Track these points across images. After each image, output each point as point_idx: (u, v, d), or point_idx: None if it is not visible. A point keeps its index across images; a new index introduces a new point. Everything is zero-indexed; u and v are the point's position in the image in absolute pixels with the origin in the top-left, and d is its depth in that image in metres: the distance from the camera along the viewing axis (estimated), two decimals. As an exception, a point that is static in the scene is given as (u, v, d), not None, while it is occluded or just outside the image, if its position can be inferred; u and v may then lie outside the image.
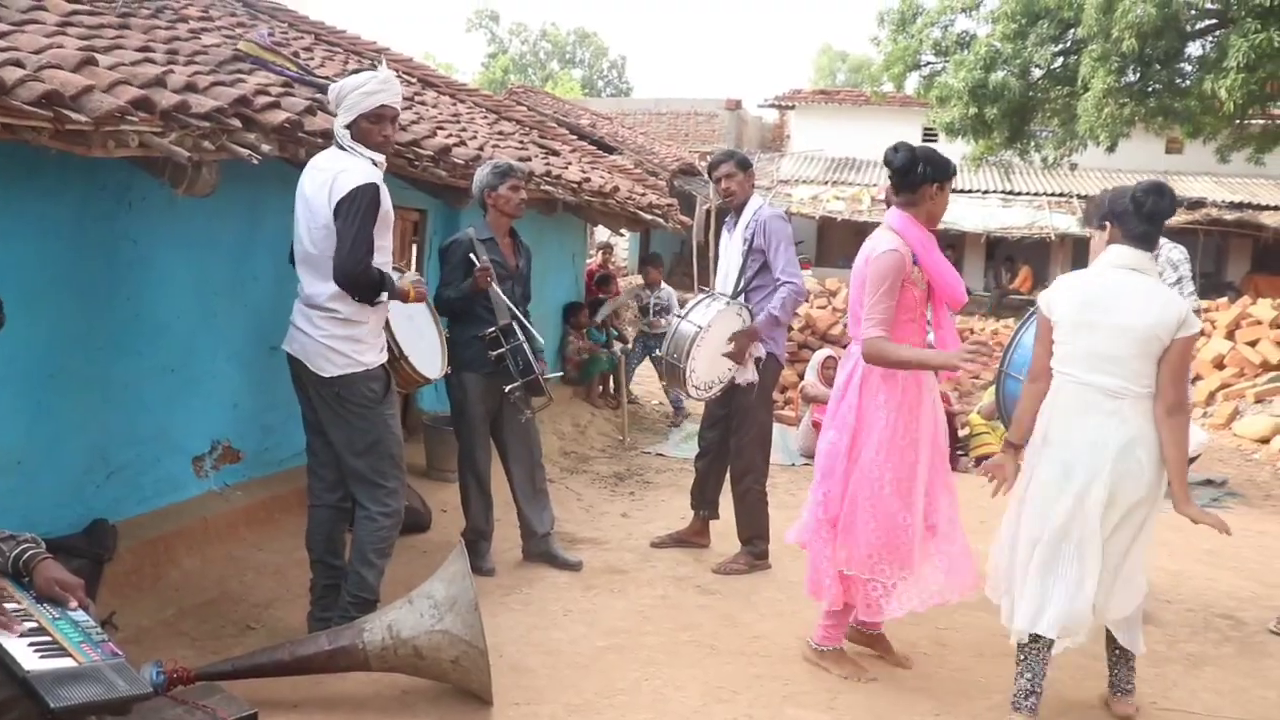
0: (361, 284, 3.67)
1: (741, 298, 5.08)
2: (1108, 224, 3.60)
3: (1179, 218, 20.17)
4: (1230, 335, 11.52)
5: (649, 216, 8.69)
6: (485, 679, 3.44)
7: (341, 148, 3.75)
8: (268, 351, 5.09)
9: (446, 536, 5.41)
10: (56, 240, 4.00)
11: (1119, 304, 3.41)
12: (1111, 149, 15.19)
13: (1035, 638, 3.51)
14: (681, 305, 5.22)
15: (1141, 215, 3.47)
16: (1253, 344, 11.19)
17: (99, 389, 4.26)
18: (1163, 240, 4.84)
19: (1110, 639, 3.75)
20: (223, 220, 4.80)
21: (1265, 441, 9.11)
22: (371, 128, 3.74)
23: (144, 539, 4.37)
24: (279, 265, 4.46)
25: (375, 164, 3.73)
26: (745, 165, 5.25)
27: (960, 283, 3.94)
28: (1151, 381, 3.41)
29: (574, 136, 10.66)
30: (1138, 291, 3.42)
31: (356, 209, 3.58)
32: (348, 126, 3.72)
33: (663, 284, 10.13)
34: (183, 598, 4.25)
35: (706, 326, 4.90)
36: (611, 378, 9.53)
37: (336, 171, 3.64)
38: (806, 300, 5.13)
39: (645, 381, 10.57)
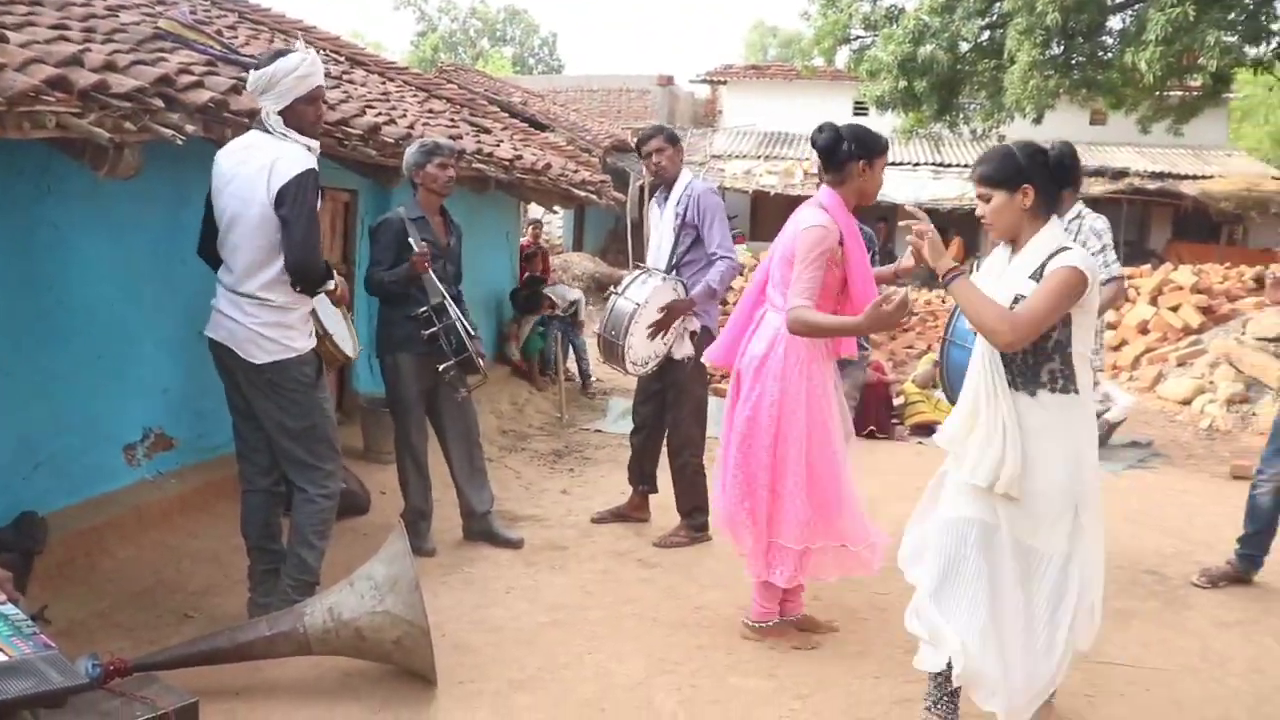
0: (314, 275, 3.65)
1: (674, 273, 5.09)
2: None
3: (1103, 187, 20.61)
4: (1154, 301, 11.80)
5: (582, 193, 8.66)
6: (428, 658, 3.44)
7: (269, 133, 3.67)
8: (197, 337, 4.93)
9: (386, 519, 5.38)
10: (-29, 227, 3.89)
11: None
12: (1038, 121, 15.45)
13: None
14: (616, 284, 5.21)
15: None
16: (1175, 309, 11.48)
17: (23, 378, 4.16)
18: (1084, 210, 4.97)
19: None
20: (147, 204, 4.70)
21: (1187, 403, 9.36)
22: (307, 110, 3.69)
23: (75, 530, 4.28)
24: (206, 249, 4.38)
25: (310, 150, 3.68)
26: (674, 140, 5.24)
27: (873, 282, 3.90)
28: None
29: (505, 114, 10.57)
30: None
31: (302, 197, 3.53)
32: (280, 112, 3.65)
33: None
34: (117, 588, 4.18)
35: (644, 303, 4.91)
36: (544, 356, 9.52)
37: (274, 158, 3.57)
38: (741, 274, 5.16)
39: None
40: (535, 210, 12.03)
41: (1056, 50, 15.08)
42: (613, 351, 5.06)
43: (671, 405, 5.27)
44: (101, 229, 4.49)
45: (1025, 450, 3.00)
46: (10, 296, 4.06)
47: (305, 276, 3.65)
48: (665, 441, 5.40)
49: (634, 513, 5.62)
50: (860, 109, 21.83)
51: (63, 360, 4.34)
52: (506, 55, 47.45)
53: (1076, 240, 4.83)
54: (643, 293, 4.94)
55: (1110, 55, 15.05)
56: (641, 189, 19.74)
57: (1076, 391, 3.08)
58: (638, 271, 5.17)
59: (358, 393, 6.88)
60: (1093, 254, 4.78)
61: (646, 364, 5.11)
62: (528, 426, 8.01)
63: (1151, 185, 21.79)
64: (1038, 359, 3.04)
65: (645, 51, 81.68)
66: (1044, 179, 3.08)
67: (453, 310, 4.89)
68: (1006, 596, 3.04)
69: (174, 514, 4.83)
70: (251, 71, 3.69)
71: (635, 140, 5.29)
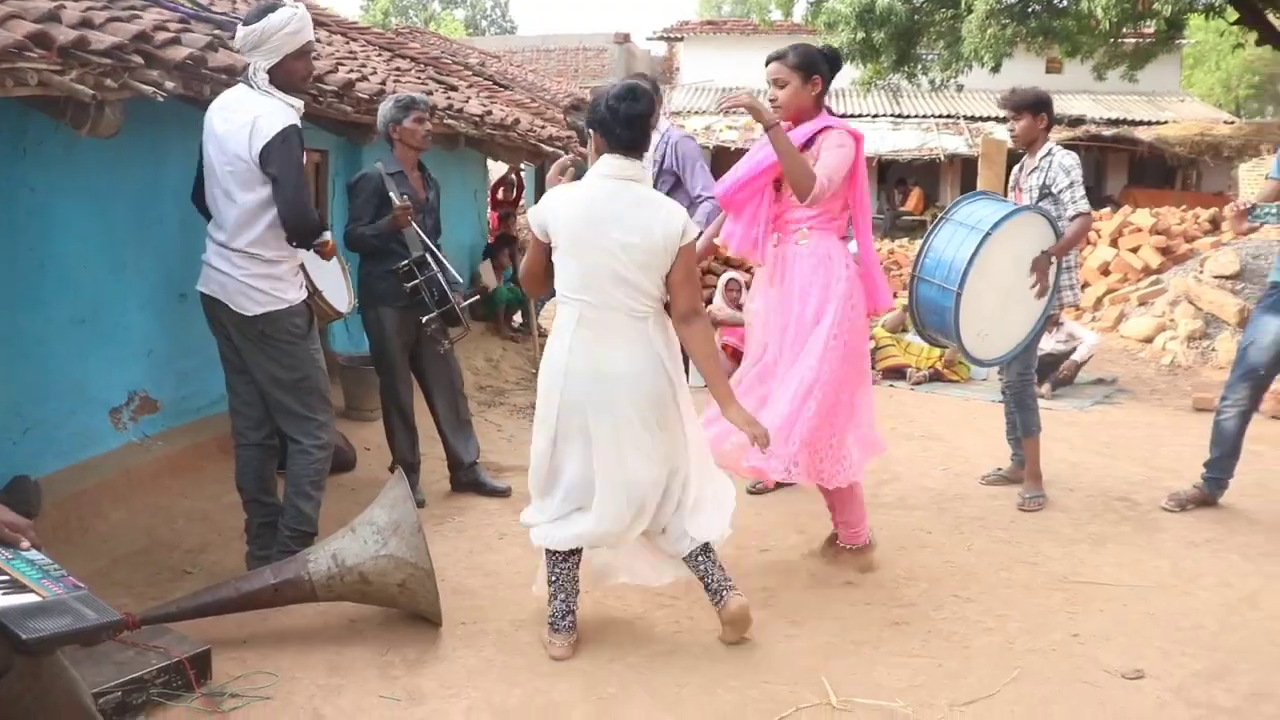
0: (307, 227, 3.68)
1: None
2: (593, 131, 3.37)
3: (1060, 134, 20.82)
4: (1114, 243, 11.98)
5: (550, 149, 8.67)
6: (433, 600, 3.51)
7: (253, 88, 3.68)
8: (178, 299, 5.01)
9: (373, 474, 5.44)
10: (-50, 191, 3.87)
11: (618, 219, 3.26)
12: (996, 69, 15.59)
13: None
14: None
15: (620, 122, 3.27)
16: (1135, 250, 11.67)
17: (7, 343, 4.15)
18: (1055, 147, 5.06)
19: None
20: (125, 165, 4.68)
21: (1149, 341, 9.56)
22: (297, 65, 3.71)
23: (67, 494, 4.30)
24: (184, 210, 4.35)
25: (293, 107, 3.69)
26: (656, 89, 5.28)
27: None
28: (659, 297, 3.35)
29: (469, 72, 10.52)
30: (632, 200, 3.29)
31: (288, 153, 3.56)
32: (269, 69, 3.65)
33: None
34: (114, 549, 4.21)
35: None
36: (521, 311, 9.55)
37: (256, 114, 3.58)
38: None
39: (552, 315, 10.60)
40: (497, 169, 12.01)
41: (1013, -1, 15.22)
42: None
43: None
44: (80, 191, 4.47)
45: None
46: (-9, 261, 4.05)
47: (299, 230, 3.67)
48: None
49: None
50: (818, 62, 21.88)
51: (46, 325, 4.33)
52: (459, 18, 46.87)
53: (1047, 177, 4.94)
54: None
55: (1066, 3, 15.20)
56: (602, 148, 19.65)
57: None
58: None
59: (336, 352, 6.90)
60: (1060, 190, 4.88)
61: None
62: (504, 381, 8.06)
63: (1107, 132, 22.04)
64: None
65: (599, 10, 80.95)
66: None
67: (434, 263, 4.92)
68: None
69: (163, 475, 4.85)
70: (240, 27, 3.68)
71: None
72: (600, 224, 3.26)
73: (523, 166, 10.57)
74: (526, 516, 3.58)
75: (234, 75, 4.04)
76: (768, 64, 4.02)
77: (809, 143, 3.93)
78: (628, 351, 3.32)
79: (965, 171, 20.95)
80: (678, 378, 3.42)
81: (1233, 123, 23.40)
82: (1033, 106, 5.02)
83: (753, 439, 3.40)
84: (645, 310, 3.33)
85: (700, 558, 3.50)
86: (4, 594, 2.15)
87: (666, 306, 3.40)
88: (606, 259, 3.26)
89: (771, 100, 3.96)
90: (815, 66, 3.93)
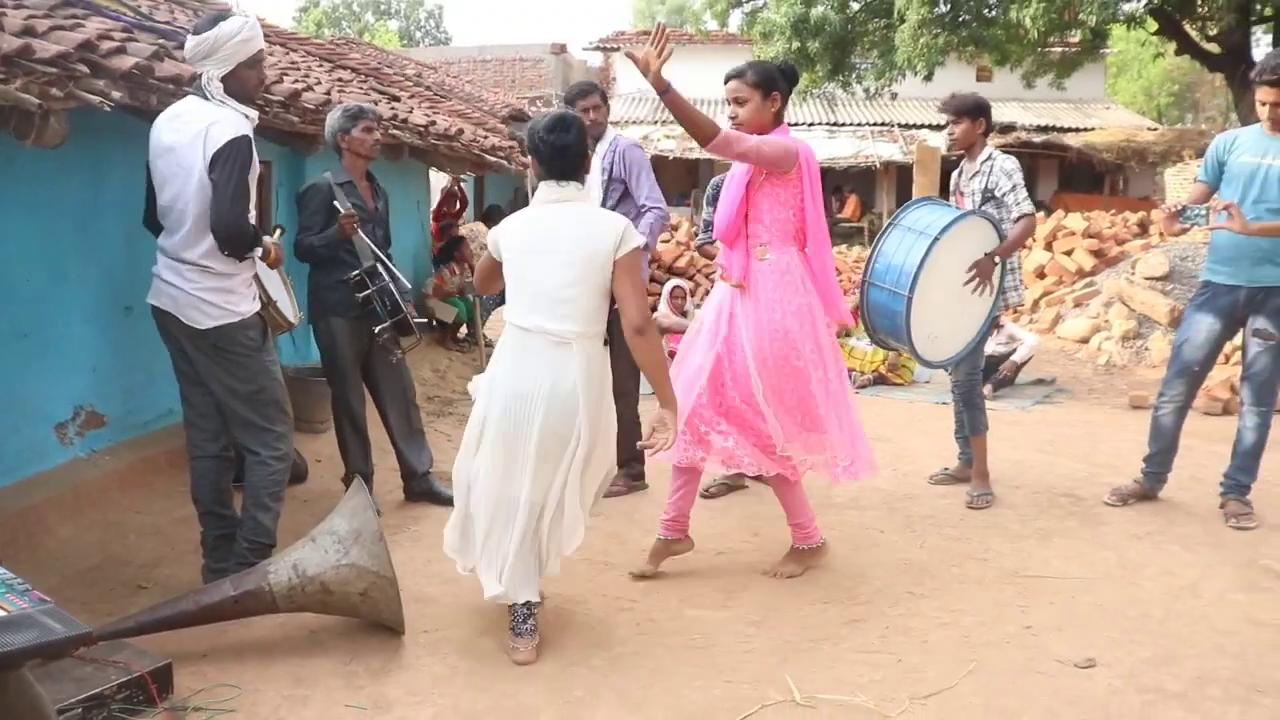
0: (239, 239, 3.62)
1: None
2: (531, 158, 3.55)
3: (992, 141, 21.26)
4: (1048, 247, 12.26)
5: (493, 159, 8.67)
6: (396, 608, 3.50)
7: (207, 99, 3.65)
8: (123, 312, 4.94)
9: (325, 485, 5.39)
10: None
11: (556, 239, 3.39)
12: (929, 78, 15.88)
13: None
14: None
15: (551, 152, 3.42)
16: (1068, 254, 11.95)
17: (-52, 359, 4.07)
18: (995, 152, 5.19)
19: None
20: (66, 178, 4.59)
21: (1085, 341, 9.80)
22: (249, 74, 3.69)
23: (13, 510, 4.20)
24: (127, 223, 4.31)
25: (248, 117, 3.66)
26: (605, 97, 5.36)
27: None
28: (599, 320, 3.45)
29: (409, 83, 10.47)
30: (572, 220, 3.41)
31: (233, 162, 3.52)
32: (223, 78, 3.62)
33: None
34: (64, 565, 4.13)
35: None
36: (466, 324, 9.52)
37: (209, 123, 3.55)
38: (666, 227, 5.28)
39: (496, 327, 10.55)
40: (438, 179, 11.95)
41: (944, 8, 15.51)
42: None
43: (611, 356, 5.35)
44: (21, 203, 4.38)
45: None
46: (-70, 275, 3.97)
47: (229, 239, 3.62)
48: None
49: None
50: (754, 72, 22.10)
51: (-13, 339, 4.25)
52: (392, 29, 46.60)
53: (989, 181, 5.06)
54: None
55: (995, 13, 15.52)
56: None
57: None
58: None
59: (283, 364, 6.81)
60: (1004, 194, 5.00)
61: None
62: (451, 392, 8.03)
63: (1038, 139, 22.56)
64: None
65: (534, 21, 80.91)
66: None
67: (385, 273, 4.91)
68: None
69: (112, 490, 4.76)
70: (190, 36, 3.64)
71: (567, 96, 5.35)
72: (540, 246, 3.41)
73: (463, 177, 10.55)
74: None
75: (181, 85, 4.00)
76: (727, 81, 4.08)
77: None
78: (550, 375, 3.39)
79: (901, 178, 21.29)
80: (589, 412, 3.44)
81: (1155, 129, 24.06)
82: (971, 111, 5.14)
83: (654, 439, 3.52)
84: (572, 335, 3.39)
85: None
86: (-31, 609, 2.12)
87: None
88: (546, 278, 3.37)
89: (732, 118, 4.02)
90: (774, 83, 4.03)
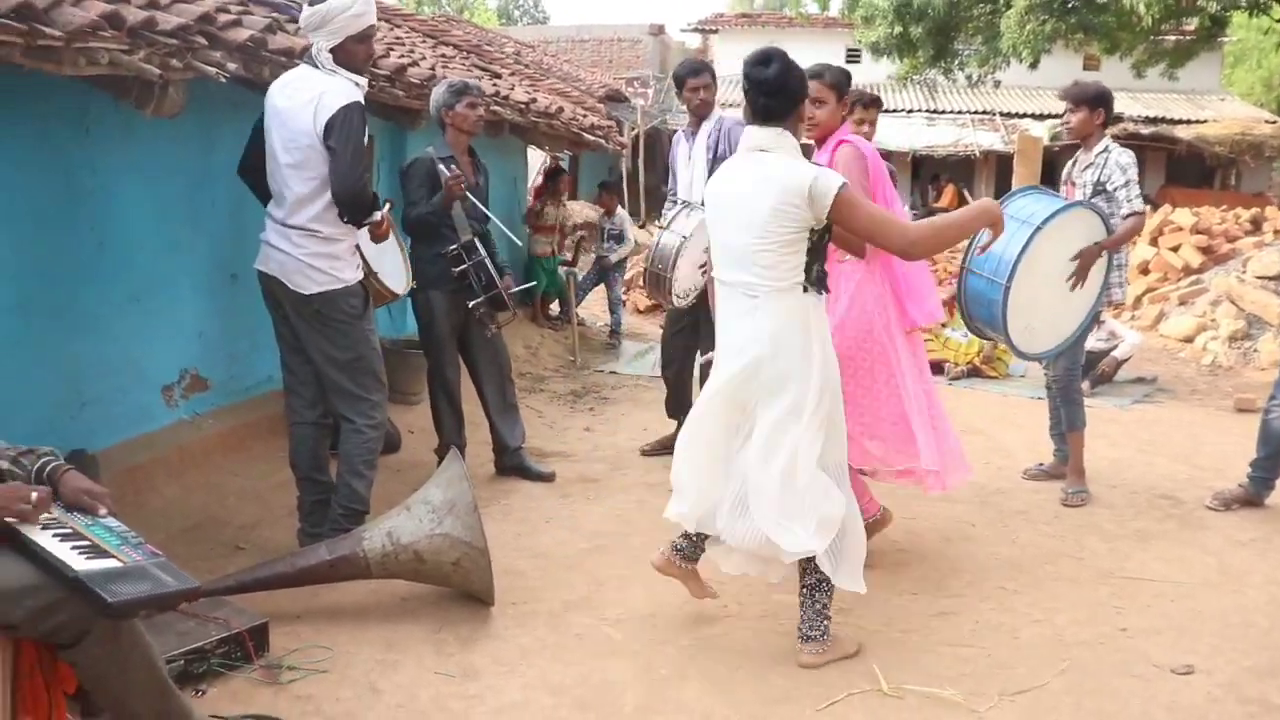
0: (360, 202, 3.70)
1: None
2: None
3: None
4: (1154, 242, 11.88)
5: (591, 138, 8.69)
6: (487, 579, 3.55)
7: (318, 68, 3.72)
8: (229, 279, 5.08)
9: (418, 456, 5.49)
10: (14, 168, 3.92)
11: (740, 193, 3.22)
12: (1034, 65, 15.45)
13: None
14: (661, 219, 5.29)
15: (748, 87, 3.24)
16: (1175, 249, 11.57)
17: (67, 320, 4.21)
18: (1111, 144, 5.05)
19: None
20: (180, 146, 4.73)
21: (1189, 340, 9.49)
22: (358, 48, 3.75)
23: (123, 468, 4.35)
24: (235, 193, 4.42)
25: (358, 85, 3.73)
26: (714, 76, 5.40)
27: None
28: (789, 272, 3.17)
29: (511, 60, 10.55)
30: (759, 178, 3.17)
31: (348, 127, 3.59)
32: (332, 50, 3.69)
33: (618, 211, 10.13)
34: (168, 523, 4.26)
35: (689, 236, 5.00)
36: (559, 300, 9.58)
37: (320, 91, 3.63)
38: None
39: (589, 305, 10.59)
40: (534, 158, 12.00)
41: (1053, -7, 15.07)
42: (659, 284, 5.16)
43: (705, 335, 5.35)
44: (137, 172, 4.52)
45: None
46: (53, 239, 4.11)
47: (351, 205, 3.70)
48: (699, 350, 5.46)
49: None
50: (853, 56, 21.77)
51: (103, 302, 4.39)
52: (491, 7, 46.89)
53: (1102, 174, 4.93)
54: (688, 225, 5.03)
55: (1106, -1, 15.04)
56: (636, 138, 19.67)
57: None
58: (680, 206, 5.22)
59: (380, 337, 6.94)
60: (1116, 188, 4.87)
61: (688, 295, 5.22)
62: (543, 369, 8.10)
63: (1145, 130, 21.79)
64: None
65: (630, 2, 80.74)
66: None
67: (481, 248, 4.96)
68: None
69: (214, 453, 4.91)
70: (305, 7, 3.73)
71: (676, 74, 5.37)
72: (725, 200, 3.29)
73: (560, 155, 10.58)
74: None
75: (292, 57, 4.08)
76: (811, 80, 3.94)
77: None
78: (745, 333, 3.23)
79: (1000, 168, 20.81)
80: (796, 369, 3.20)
81: (1274, 122, 23.10)
82: (1092, 101, 5.00)
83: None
84: (761, 289, 3.19)
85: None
86: (86, 558, 2.21)
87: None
88: (733, 235, 3.24)
89: (810, 119, 3.85)
90: (846, 87, 4.03)
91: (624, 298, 10.20)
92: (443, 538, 3.51)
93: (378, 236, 4.04)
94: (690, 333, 5.49)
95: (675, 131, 5.81)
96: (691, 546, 3.57)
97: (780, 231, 3.12)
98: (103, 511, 2.43)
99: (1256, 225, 12.41)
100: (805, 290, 3.20)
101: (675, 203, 5.40)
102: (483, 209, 4.96)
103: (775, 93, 3.20)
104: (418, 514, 3.56)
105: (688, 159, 5.36)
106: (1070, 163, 5.23)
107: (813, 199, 3.08)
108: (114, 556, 2.24)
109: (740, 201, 3.20)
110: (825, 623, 3.36)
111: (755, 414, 3.23)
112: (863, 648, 3.45)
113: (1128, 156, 4.93)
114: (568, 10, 74.95)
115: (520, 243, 5.14)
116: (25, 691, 2.31)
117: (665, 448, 5.70)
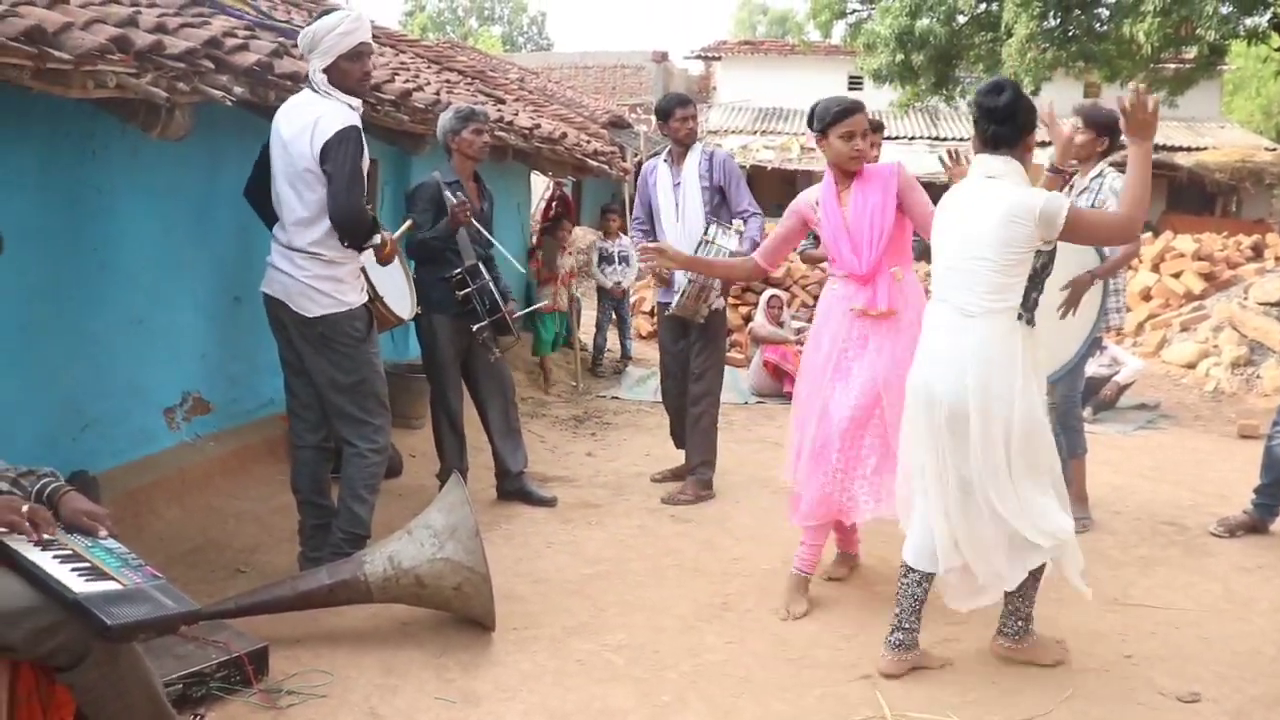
0: (357, 226, 3.70)
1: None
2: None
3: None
4: (1155, 268, 11.88)
5: (595, 163, 8.72)
6: (488, 604, 3.53)
7: (315, 92, 3.74)
8: (232, 302, 5.08)
9: (418, 480, 5.47)
10: (20, 190, 3.92)
11: (967, 216, 3.31)
12: (1035, 93, 15.49)
13: (908, 568, 3.52)
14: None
15: (978, 114, 3.32)
16: (1176, 276, 11.57)
17: (69, 341, 4.21)
18: (1107, 169, 5.06)
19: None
20: (185, 169, 4.75)
21: (1192, 367, 9.48)
22: (351, 67, 3.74)
23: (124, 490, 4.34)
24: (240, 216, 4.44)
25: (353, 108, 3.75)
26: (693, 104, 5.49)
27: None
28: (1008, 295, 3.23)
29: (515, 86, 10.60)
30: (987, 199, 3.25)
31: (344, 151, 3.61)
32: (325, 70, 3.71)
33: (621, 237, 10.09)
34: (169, 546, 4.25)
35: (735, 251, 5.01)
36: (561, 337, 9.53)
37: (317, 116, 3.64)
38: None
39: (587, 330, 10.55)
40: (537, 183, 11.99)
41: (1053, 22, 15.17)
42: (703, 295, 5.16)
43: (699, 353, 5.38)
44: (142, 194, 4.54)
45: None
46: (56, 259, 4.11)
47: (348, 228, 3.71)
48: (688, 391, 5.48)
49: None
50: (855, 83, 21.89)
51: (106, 323, 4.40)
52: (495, 34, 47.25)
53: (1096, 199, 4.94)
54: (732, 242, 5.06)
55: (1106, 27, 15.13)
56: (639, 164, 19.76)
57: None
58: (712, 222, 5.18)
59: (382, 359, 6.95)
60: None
61: (711, 306, 5.28)
62: (545, 394, 8.09)
63: (1145, 157, 21.84)
64: None
65: (635, 28, 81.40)
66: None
67: (485, 272, 4.97)
68: None
69: (215, 476, 4.90)
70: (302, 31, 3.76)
71: (661, 106, 5.40)
72: (953, 220, 3.36)
73: (563, 180, 10.59)
74: None
75: (298, 81, 4.10)
76: (853, 115, 3.89)
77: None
78: (952, 347, 3.29)
79: (1002, 195, 20.85)
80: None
81: (1274, 150, 23.17)
82: (1101, 126, 4.99)
83: None
84: (977, 308, 3.25)
85: None
86: (86, 580, 2.20)
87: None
88: (958, 257, 3.30)
89: (859, 151, 3.90)
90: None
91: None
92: (444, 562, 3.49)
93: (383, 259, 4.04)
94: (685, 360, 5.49)
95: (645, 161, 5.82)
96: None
97: (1006, 252, 3.19)
98: (103, 533, 2.42)
99: (1258, 251, 12.42)
100: (1019, 318, 3.26)
101: (645, 232, 5.48)
102: (487, 235, 4.96)
103: (1005, 120, 3.29)
104: (419, 538, 3.54)
105: (671, 186, 5.38)
106: (1067, 188, 5.23)
107: (1044, 219, 3.15)
108: (114, 579, 2.23)
109: (969, 225, 3.28)
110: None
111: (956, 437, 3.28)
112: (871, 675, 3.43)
113: (1122, 181, 4.94)
114: (571, 37, 75.63)
115: (522, 270, 5.13)
116: (23, 716, 2.30)
117: (676, 476, 5.69)
